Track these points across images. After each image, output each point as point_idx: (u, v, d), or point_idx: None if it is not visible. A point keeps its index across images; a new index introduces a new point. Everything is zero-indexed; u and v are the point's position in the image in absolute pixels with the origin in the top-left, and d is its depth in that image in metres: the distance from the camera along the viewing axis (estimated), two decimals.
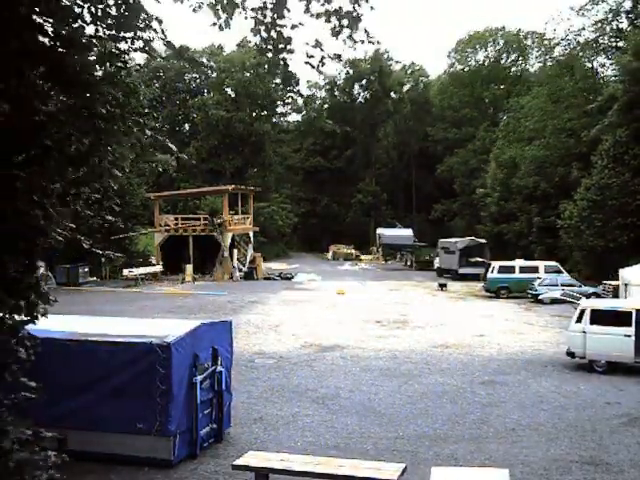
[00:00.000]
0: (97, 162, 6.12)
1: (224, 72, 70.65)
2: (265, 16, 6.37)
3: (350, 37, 6.38)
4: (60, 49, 5.52)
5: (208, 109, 67.75)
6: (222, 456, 9.69)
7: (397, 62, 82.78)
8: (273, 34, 6.43)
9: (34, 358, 5.74)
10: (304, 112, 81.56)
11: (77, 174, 6.10)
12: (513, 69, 74.49)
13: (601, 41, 47.92)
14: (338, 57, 6.48)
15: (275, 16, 6.36)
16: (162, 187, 57.25)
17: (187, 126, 79.72)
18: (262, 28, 6.43)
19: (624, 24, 46.22)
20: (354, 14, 6.31)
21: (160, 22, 6.12)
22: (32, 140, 5.59)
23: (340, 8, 6.28)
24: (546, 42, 60.33)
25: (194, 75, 78.92)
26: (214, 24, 6.37)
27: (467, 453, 9.92)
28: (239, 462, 8.20)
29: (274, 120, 76.56)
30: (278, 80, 71.18)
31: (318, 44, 6.32)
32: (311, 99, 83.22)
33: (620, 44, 45.02)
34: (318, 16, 6.32)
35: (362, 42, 6.47)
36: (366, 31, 6.40)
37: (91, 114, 5.80)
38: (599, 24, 47.17)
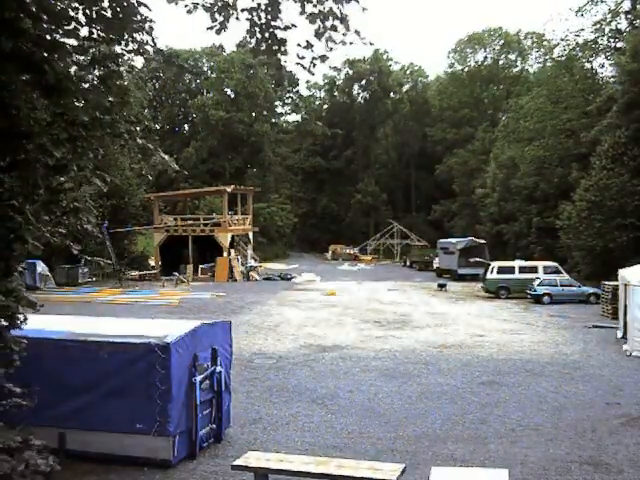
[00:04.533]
0: (77, 170, 6.01)
1: (224, 72, 70.65)
2: (260, 17, 6.38)
3: (331, 39, 6.37)
4: (43, 54, 5.42)
5: (208, 109, 67.75)
6: (221, 456, 9.68)
7: (396, 62, 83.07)
8: (267, 35, 6.44)
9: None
10: (302, 113, 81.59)
11: (59, 182, 5.97)
12: (512, 69, 74.53)
13: (600, 42, 47.87)
14: (322, 58, 6.46)
15: (269, 17, 6.36)
16: (161, 187, 57.25)
17: (187, 126, 79.75)
18: (257, 30, 6.44)
19: (623, 25, 46.22)
20: (338, 15, 6.31)
21: (152, 29, 6.08)
22: (18, 145, 5.48)
23: (330, 9, 6.29)
24: (545, 42, 60.35)
25: (194, 75, 78.94)
26: (211, 27, 6.37)
27: (466, 453, 9.92)
28: (238, 462, 8.20)
29: (273, 120, 76.60)
30: None
31: (309, 45, 6.33)
32: (308, 100, 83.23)
33: (619, 45, 45.00)
34: (308, 17, 6.33)
35: (351, 44, 6.47)
36: (357, 32, 6.39)
37: (71, 122, 5.69)
38: (598, 25, 47.14)
